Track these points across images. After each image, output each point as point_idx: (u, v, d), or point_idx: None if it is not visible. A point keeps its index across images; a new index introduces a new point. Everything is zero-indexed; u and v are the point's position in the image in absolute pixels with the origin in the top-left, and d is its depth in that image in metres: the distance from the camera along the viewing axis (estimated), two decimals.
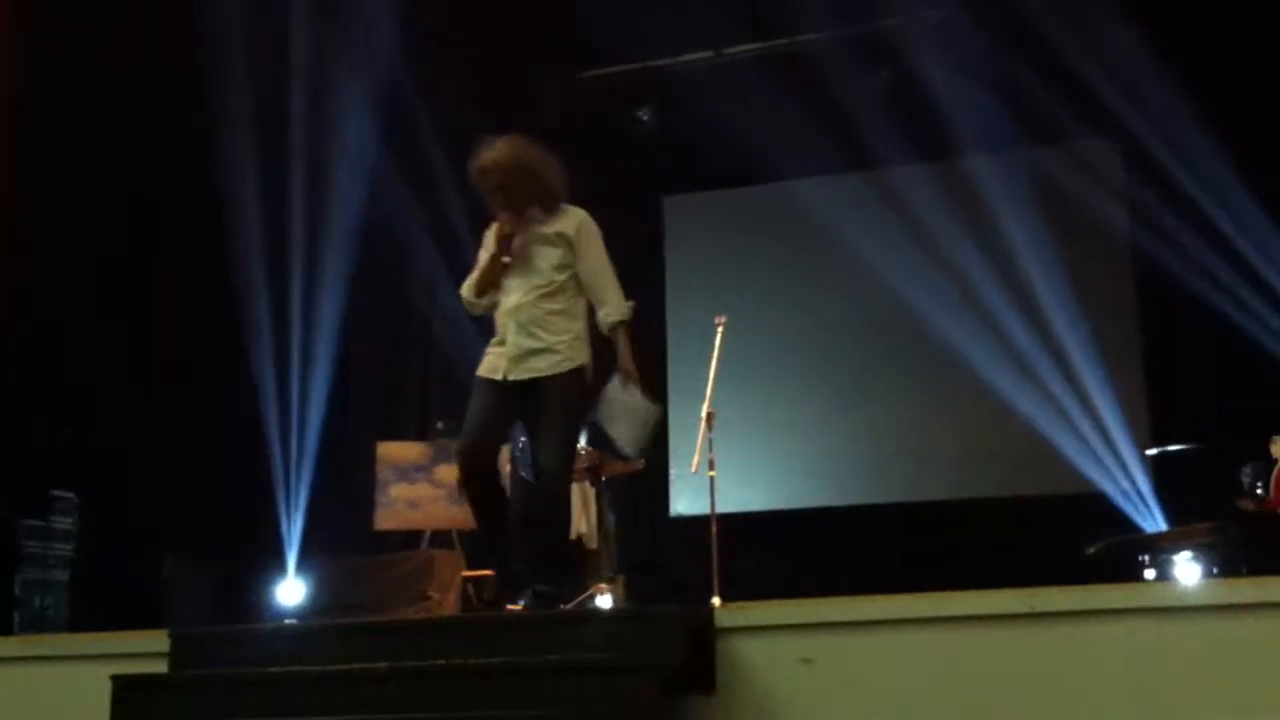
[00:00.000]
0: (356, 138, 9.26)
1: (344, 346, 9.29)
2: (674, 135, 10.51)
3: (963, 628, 4.45)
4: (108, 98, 7.88)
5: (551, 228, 5.37)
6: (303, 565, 8.78)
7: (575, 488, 8.16)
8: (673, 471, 10.19)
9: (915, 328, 9.84)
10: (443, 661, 4.76)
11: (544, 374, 5.20)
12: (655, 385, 10.47)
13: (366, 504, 8.69)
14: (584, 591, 7.73)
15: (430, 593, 7.30)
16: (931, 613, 4.53)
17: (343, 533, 9.11)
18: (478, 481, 5.21)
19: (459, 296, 5.46)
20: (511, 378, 5.22)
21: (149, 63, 7.94)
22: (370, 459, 8.53)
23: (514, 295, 5.33)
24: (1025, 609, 4.40)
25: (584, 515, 8.11)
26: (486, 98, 9.98)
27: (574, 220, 5.51)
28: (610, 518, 8.23)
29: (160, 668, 5.16)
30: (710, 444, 6.38)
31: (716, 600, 5.22)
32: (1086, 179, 9.68)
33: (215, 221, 8.64)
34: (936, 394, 10.04)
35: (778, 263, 10.70)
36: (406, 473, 8.21)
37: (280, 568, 8.90)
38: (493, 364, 5.30)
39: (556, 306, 5.31)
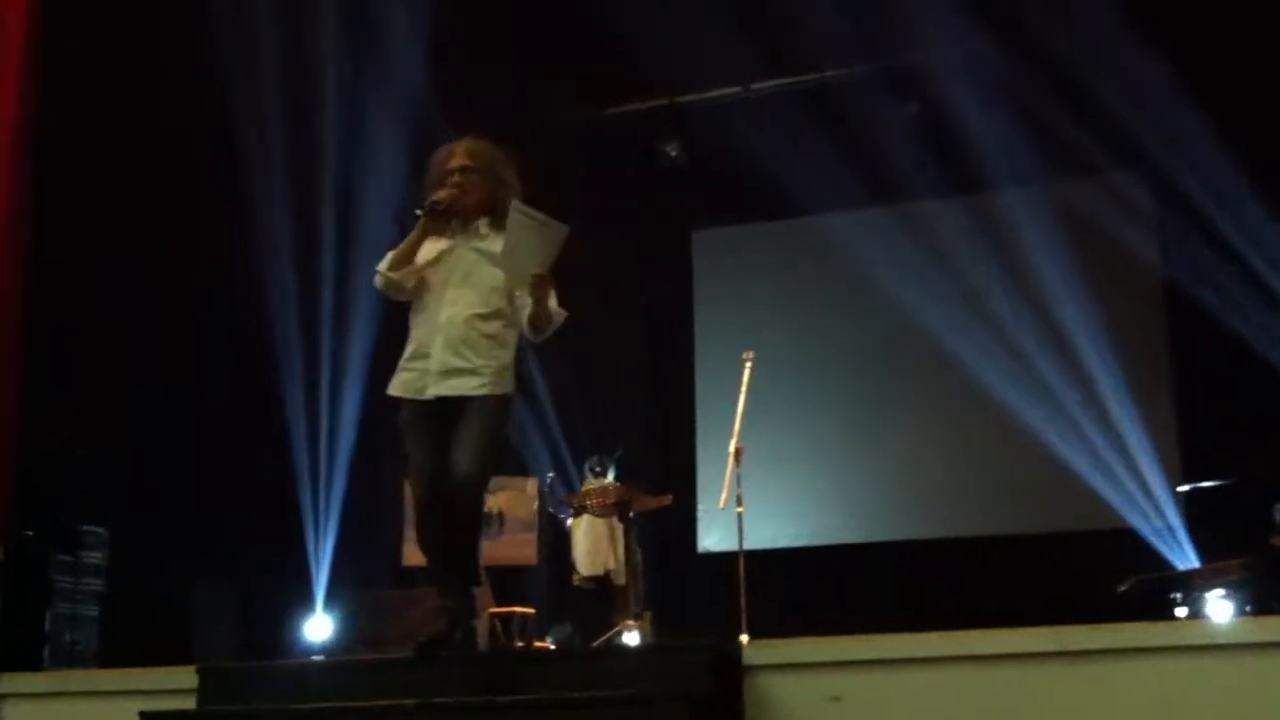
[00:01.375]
0: (388, 173, 9.31)
1: (374, 380, 9.32)
2: (703, 170, 10.54)
3: (992, 666, 4.43)
4: (133, 135, 7.95)
5: (495, 244, 4.98)
6: (331, 600, 8.80)
7: (603, 524, 8.17)
8: (700, 507, 10.17)
9: (944, 362, 9.81)
10: (470, 698, 4.76)
11: (468, 393, 4.88)
12: (685, 421, 10.54)
13: (394, 539, 8.71)
14: (612, 628, 7.72)
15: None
16: (960, 651, 4.50)
17: (370, 568, 9.13)
18: (439, 510, 4.86)
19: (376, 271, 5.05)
20: (434, 393, 4.90)
21: (175, 74, 8.00)
22: (398, 494, 8.53)
23: (446, 309, 4.99)
24: (1055, 647, 4.37)
25: (612, 551, 8.10)
26: (515, 131, 10.04)
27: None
28: (638, 553, 8.22)
29: (188, 704, 5.17)
30: (738, 479, 6.37)
31: (744, 637, 5.20)
32: (1116, 212, 9.65)
33: (246, 254, 8.69)
34: (966, 429, 10.00)
35: (807, 297, 10.70)
36: None
37: (308, 603, 8.92)
38: (411, 381, 4.97)
39: (489, 330, 4.97)
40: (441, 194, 4.95)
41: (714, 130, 10.09)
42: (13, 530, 6.83)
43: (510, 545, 8.41)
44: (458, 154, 5.05)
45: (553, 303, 4.92)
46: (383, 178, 9.30)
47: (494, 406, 4.87)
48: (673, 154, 10.82)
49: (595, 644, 7.44)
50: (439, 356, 4.92)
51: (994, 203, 9.93)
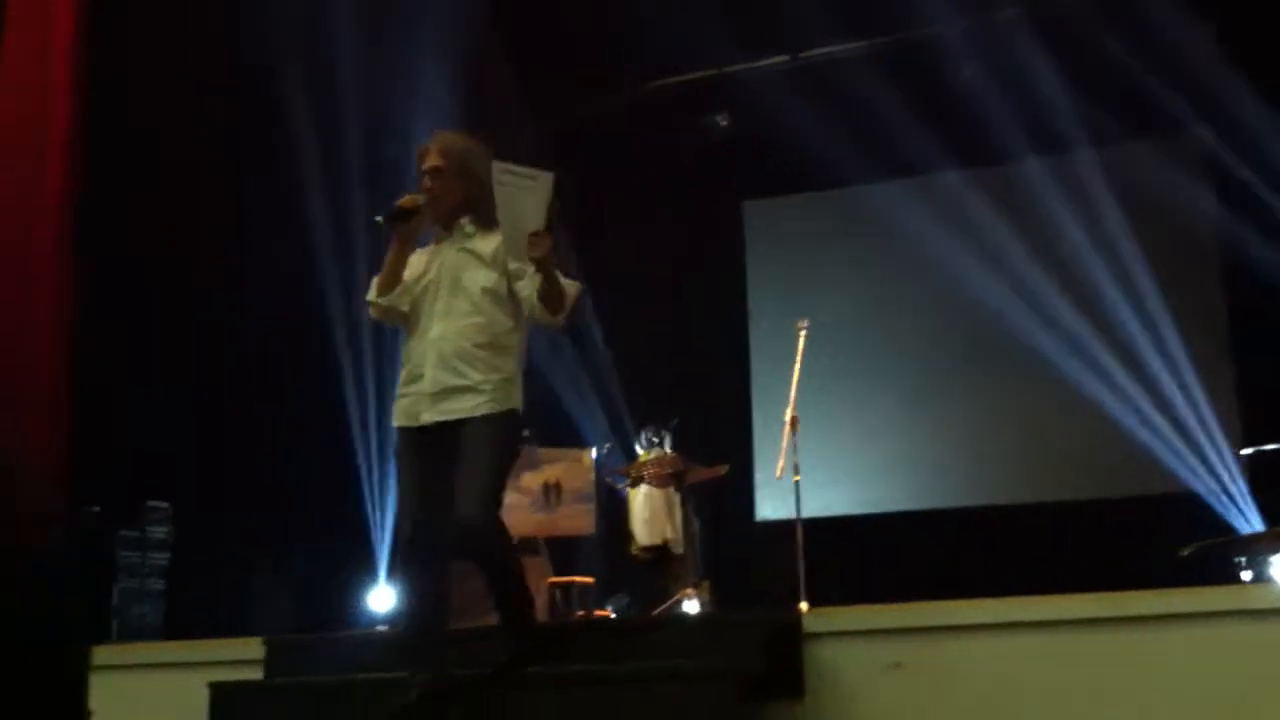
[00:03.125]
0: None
1: None
2: (752, 140, 10.51)
3: (1054, 632, 4.42)
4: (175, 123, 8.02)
5: (484, 247, 4.59)
6: (393, 572, 8.87)
7: (660, 494, 8.20)
8: (757, 476, 10.18)
9: (998, 329, 9.75)
10: (531, 667, 4.80)
11: (465, 415, 4.43)
12: (739, 391, 10.54)
13: None
14: (670, 598, 7.75)
15: None
16: (1022, 617, 4.50)
17: None
18: (420, 563, 4.46)
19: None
20: (428, 420, 4.47)
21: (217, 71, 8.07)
22: None
23: (436, 323, 4.56)
24: (1118, 613, 4.36)
25: (669, 520, 8.13)
26: (563, 107, 10.06)
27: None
28: (695, 523, 8.25)
29: (256, 674, 5.26)
30: (794, 448, 6.38)
31: (804, 605, 5.21)
32: (1171, 174, 9.53)
33: (303, 227, 8.74)
34: (1022, 395, 9.93)
35: (859, 266, 10.66)
36: None
37: (372, 575, 9.01)
38: (408, 408, 4.54)
39: (484, 339, 4.51)
40: (404, 200, 4.60)
41: (763, 100, 10.04)
42: (79, 507, 6.94)
43: (567, 516, 8.43)
44: (430, 153, 4.68)
45: (567, 286, 4.47)
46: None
47: (496, 427, 4.43)
48: (722, 124, 10.79)
49: (654, 613, 7.48)
50: (432, 376, 4.49)
51: (1045, 168, 9.83)
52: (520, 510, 8.31)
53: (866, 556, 8.72)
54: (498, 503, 4.41)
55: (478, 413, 4.40)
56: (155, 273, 7.64)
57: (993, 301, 9.77)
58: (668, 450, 8.44)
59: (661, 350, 10.33)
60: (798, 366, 6.69)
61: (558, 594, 7.90)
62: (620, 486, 8.53)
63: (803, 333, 6.81)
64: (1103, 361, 9.52)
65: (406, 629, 4.58)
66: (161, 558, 7.51)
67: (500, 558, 4.43)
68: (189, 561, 7.54)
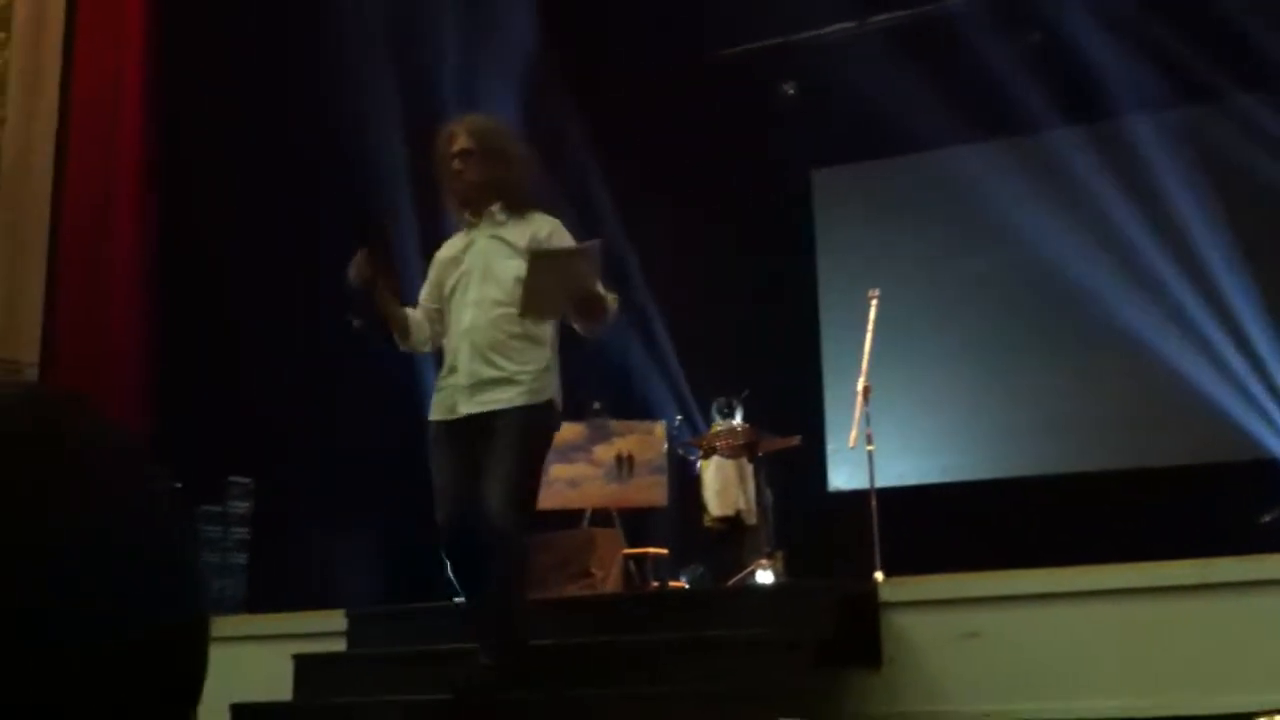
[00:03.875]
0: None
1: None
2: (820, 108, 10.45)
3: (1133, 600, 4.40)
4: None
5: (516, 235, 4.51)
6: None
7: (732, 465, 8.22)
8: (829, 446, 10.17)
9: (1074, 293, 9.65)
10: (606, 638, 4.86)
11: (502, 406, 4.36)
12: (810, 361, 10.52)
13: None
14: (743, 569, 7.78)
15: (592, 570, 7.42)
16: (1100, 585, 4.49)
17: None
18: (463, 552, 4.41)
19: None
20: (464, 412, 4.41)
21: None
22: None
23: (469, 312, 4.48)
24: (1198, 580, 4.33)
25: (741, 491, 8.15)
26: (630, 77, 10.04)
27: (546, 228, 4.58)
28: (768, 493, 8.26)
29: (339, 646, 5.35)
30: (867, 418, 6.36)
31: (879, 575, 5.21)
32: (1247, 136, 9.37)
33: (379, 193, 8.79)
34: (1098, 360, 9.83)
35: (930, 233, 10.57)
36: (565, 453, 8.32)
37: None
38: (444, 401, 4.48)
39: (518, 329, 4.41)
40: (362, 269, 4.42)
41: (830, 68, 9.98)
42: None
43: (640, 488, 8.49)
44: (458, 135, 4.58)
45: (610, 309, 4.40)
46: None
47: (531, 419, 4.36)
48: (790, 93, 10.74)
49: (729, 584, 7.51)
50: (467, 368, 4.42)
51: (1120, 131, 9.70)
52: (593, 482, 8.38)
53: (941, 526, 8.68)
54: (529, 494, 4.36)
55: (514, 404, 4.34)
56: (232, 246, 7.73)
57: (1067, 264, 9.67)
58: (739, 421, 8.45)
59: (731, 322, 10.33)
60: (869, 335, 6.66)
61: (631, 565, 7.95)
62: (692, 458, 8.56)
63: (874, 301, 6.77)
64: (1181, 325, 9.40)
65: (466, 603, 4.57)
66: (243, 532, 7.64)
67: (514, 557, 4.32)
68: (270, 536, 7.66)
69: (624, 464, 8.57)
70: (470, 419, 4.39)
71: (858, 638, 4.64)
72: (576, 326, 4.47)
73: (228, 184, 7.64)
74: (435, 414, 4.51)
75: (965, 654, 4.56)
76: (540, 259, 4.28)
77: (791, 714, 3.48)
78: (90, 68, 7.04)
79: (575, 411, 9.60)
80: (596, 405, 8.77)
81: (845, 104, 9.82)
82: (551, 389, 4.46)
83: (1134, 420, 9.65)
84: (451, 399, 4.45)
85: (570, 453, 8.43)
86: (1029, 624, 4.56)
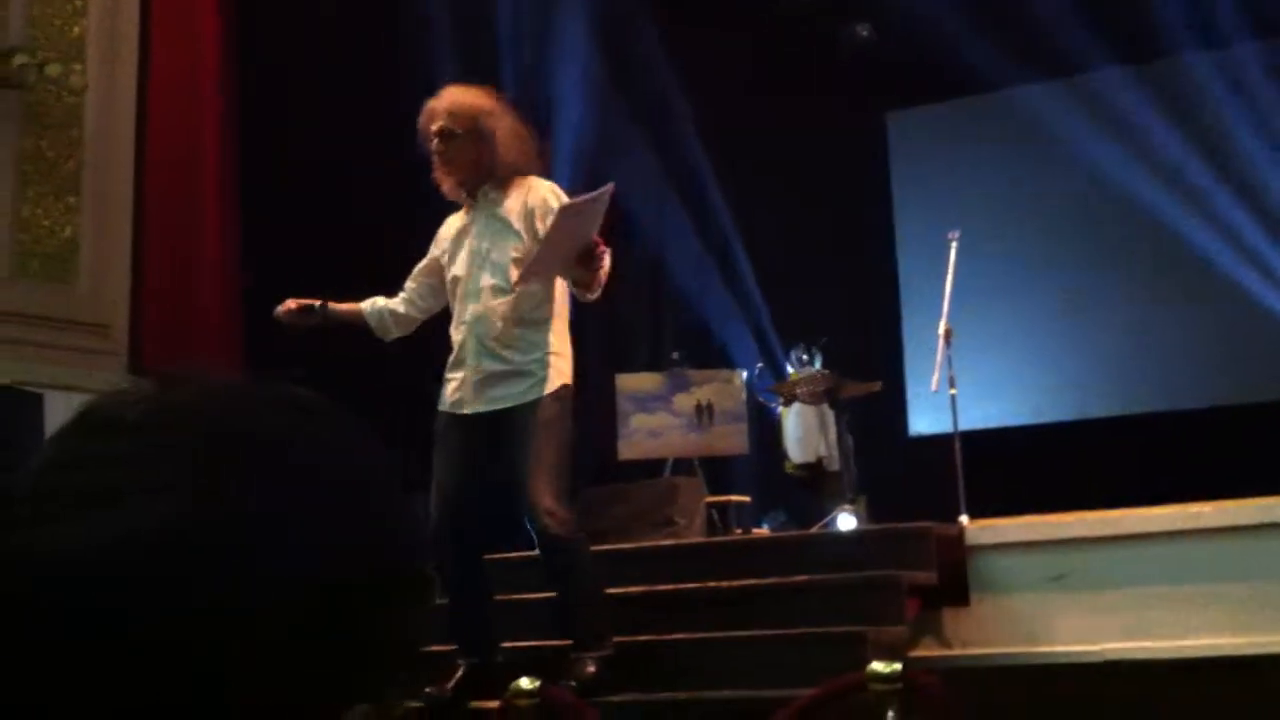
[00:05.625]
0: (571, 71, 9.29)
1: None
2: (895, 50, 10.32)
3: (1222, 539, 4.37)
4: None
5: (511, 207, 4.32)
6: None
7: (812, 411, 8.21)
8: (909, 391, 10.12)
9: (1155, 230, 9.50)
10: (694, 585, 4.90)
11: (515, 402, 4.22)
12: (889, 305, 10.46)
13: (608, 435, 8.90)
14: (825, 515, 7.78)
15: (676, 518, 7.45)
16: (1187, 525, 4.45)
17: (587, 463, 9.34)
18: (451, 552, 4.26)
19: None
20: (473, 410, 4.26)
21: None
22: (609, 391, 8.71)
23: (471, 302, 4.32)
24: None
25: (822, 437, 8.14)
26: (701, 20, 9.97)
27: (538, 193, 4.34)
28: (849, 439, 8.24)
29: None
30: (949, 361, 6.33)
31: (964, 518, 5.20)
32: None
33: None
34: (1181, 297, 9.68)
35: (1009, 172, 10.44)
36: (645, 403, 8.36)
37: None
38: (452, 394, 4.35)
39: (524, 314, 4.26)
40: (289, 315, 4.51)
41: (904, 8, 9.85)
42: None
43: (720, 436, 8.50)
44: (437, 114, 4.36)
45: (606, 262, 4.15)
46: (564, 75, 9.32)
47: (550, 410, 4.21)
48: (864, 35, 10.62)
49: (812, 530, 7.53)
50: (474, 363, 4.28)
51: (1210, 62, 9.49)
52: (674, 431, 8.41)
53: (1025, 468, 8.63)
54: (568, 483, 4.27)
55: (528, 398, 4.20)
56: (317, 206, 7.79)
57: (1147, 203, 9.51)
58: (818, 368, 8.43)
59: (808, 268, 10.28)
60: (950, 278, 6.61)
61: (714, 513, 7.98)
62: (772, 405, 8.56)
63: (954, 243, 6.72)
64: (1266, 259, 9.23)
65: (453, 607, 4.35)
66: None
67: (583, 562, 4.24)
68: None
69: (704, 413, 8.58)
70: (479, 416, 4.26)
71: (945, 581, 4.64)
72: (575, 287, 4.25)
73: (313, 143, 7.69)
74: (443, 405, 4.39)
75: (1053, 596, 4.56)
76: (569, 209, 4.11)
77: (881, 657, 3.51)
78: (168, 30, 7.12)
79: (653, 362, 9.66)
80: (675, 355, 8.80)
81: (920, 44, 9.69)
82: (565, 372, 4.30)
83: (1223, 356, 9.50)
84: (460, 393, 4.32)
85: (650, 403, 8.46)
86: (1117, 565, 4.54)
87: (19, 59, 6.22)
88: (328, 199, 7.78)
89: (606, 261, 4.14)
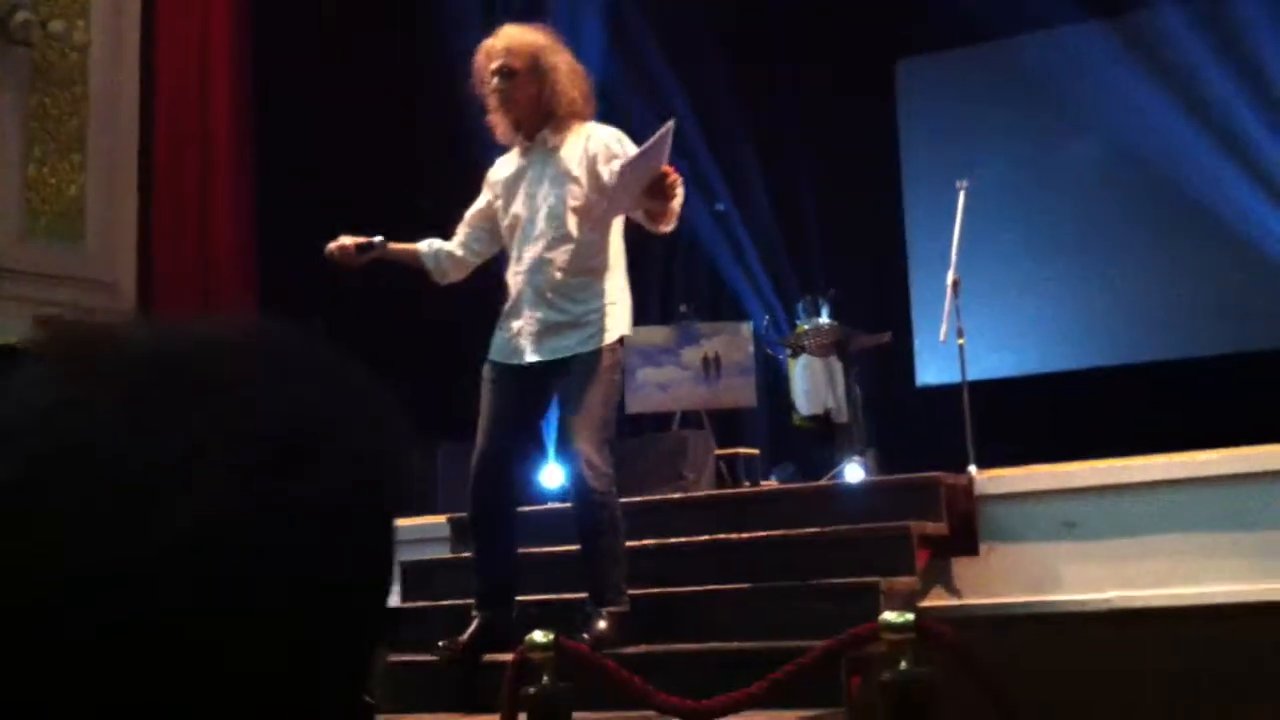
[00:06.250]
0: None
1: None
2: None
3: (1230, 487, 4.38)
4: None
5: (569, 154, 4.24)
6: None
7: (820, 363, 8.21)
8: (916, 342, 10.11)
9: (1165, 178, 9.45)
10: (705, 537, 4.93)
11: (573, 352, 4.18)
12: (895, 256, 10.43)
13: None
14: (834, 466, 7.80)
15: (685, 472, 7.47)
16: (1196, 473, 4.46)
17: None
18: (491, 497, 4.29)
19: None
20: (532, 359, 4.22)
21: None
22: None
23: (528, 249, 4.25)
24: None
25: (830, 390, 8.14)
26: None
27: (599, 139, 4.27)
28: (857, 390, 8.24)
29: (443, 552, 5.48)
30: (957, 311, 6.31)
31: (973, 468, 5.21)
32: None
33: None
34: (1192, 246, 9.64)
35: (1020, 121, 10.37)
36: (654, 356, 8.35)
37: (541, 452, 9.22)
38: (507, 344, 4.30)
39: (582, 263, 4.21)
40: (343, 253, 4.39)
41: None
42: None
43: (728, 389, 8.50)
44: (496, 52, 4.27)
45: (679, 191, 4.06)
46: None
47: (602, 362, 4.17)
48: None
49: (821, 482, 7.54)
50: (530, 313, 4.23)
51: (1216, 9, 9.42)
52: (682, 385, 8.41)
53: (1033, 418, 8.64)
54: (608, 440, 4.24)
55: (586, 348, 4.17)
56: (330, 163, 7.77)
57: (1160, 152, 9.45)
58: (826, 319, 8.42)
59: (815, 219, 10.26)
60: (958, 227, 6.58)
61: (723, 466, 8.00)
62: (781, 357, 8.56)
63: (963, 192, 6.68)
64: (1273, 211, 9.19)
65: (481, 554, 4.37)
66: None
67: (611, 506, 4.22)
68: None
69: (711, 365, 8.58)
70: (534, 366, 4.24)
71: (954, 531, 4.66)
72: (647, 221, 4.19)
73: (324, 101, 7.67)
74: (496, 355, 4.34)
75: (1063, 545, 4.57)
76: (629, 166, 4.04)
77: (894, 607, 3.53)
78: None
79: (662, 314, 9.65)
80: (683, 308, 8.78)
81: None
82: (622, 323, 4.26)
83: (1230, 305, 9.48)
84: (515, 343, 4.27)
85: (658, 356, 8.45)
86: (1124, 513, 4.55)
87: (21, 15, 6.20)
88: (339, 150, 7.77)
89: (680, 191, 4.06)
